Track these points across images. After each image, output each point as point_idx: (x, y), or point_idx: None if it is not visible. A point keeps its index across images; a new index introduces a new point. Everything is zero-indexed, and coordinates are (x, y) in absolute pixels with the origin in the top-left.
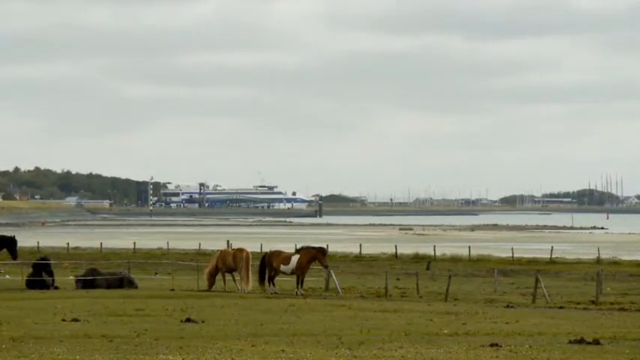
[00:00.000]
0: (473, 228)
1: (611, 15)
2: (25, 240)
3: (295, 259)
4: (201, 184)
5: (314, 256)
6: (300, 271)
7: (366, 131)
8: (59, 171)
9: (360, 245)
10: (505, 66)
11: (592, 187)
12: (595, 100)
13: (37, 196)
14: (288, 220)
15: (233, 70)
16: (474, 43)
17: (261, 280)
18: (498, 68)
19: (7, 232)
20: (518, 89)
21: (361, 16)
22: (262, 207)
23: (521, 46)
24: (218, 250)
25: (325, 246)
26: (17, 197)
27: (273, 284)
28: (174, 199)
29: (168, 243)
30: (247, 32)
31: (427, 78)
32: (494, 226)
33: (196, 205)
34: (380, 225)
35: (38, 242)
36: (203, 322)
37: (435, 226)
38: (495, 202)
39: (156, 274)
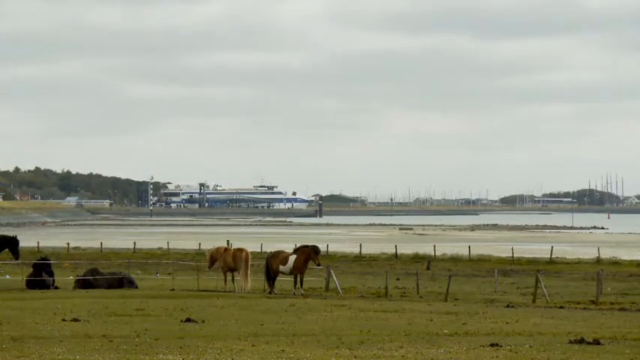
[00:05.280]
0: (473, 228)
1: (616, 15)
2: (26, 240)
3: (293, 259)
4: (202, 184)
5: (309, 254)
6: (297, 271)
7: (366, 131)
8: (59, 171)
9: (360, 245)
10: (506, 66)
11: (592, 187)
12: (596, 100)
13: (37, 196)
14: (288, 220)
15: (233, 70)
16: (477, 43)
17: (268, 280)
18: (499, 68)
19: (8, 233)
20: (519, 89)
21: (362, 16)
22: (262, 207)
23: (522, 46)
24: (214, 247)
25: (326, 246)
26: (17, 197)
27: (273, 284)
28: (174, 199)
29: (168, 243)
30: (249, 32)
31: (427, 78)
32: (495, 226)
33: (196, 205)
34: (380, 225)
35: (38, 242)
36: (203, 322)
37: (435, 226)
38: (495, 202)
39: (157, 274)
